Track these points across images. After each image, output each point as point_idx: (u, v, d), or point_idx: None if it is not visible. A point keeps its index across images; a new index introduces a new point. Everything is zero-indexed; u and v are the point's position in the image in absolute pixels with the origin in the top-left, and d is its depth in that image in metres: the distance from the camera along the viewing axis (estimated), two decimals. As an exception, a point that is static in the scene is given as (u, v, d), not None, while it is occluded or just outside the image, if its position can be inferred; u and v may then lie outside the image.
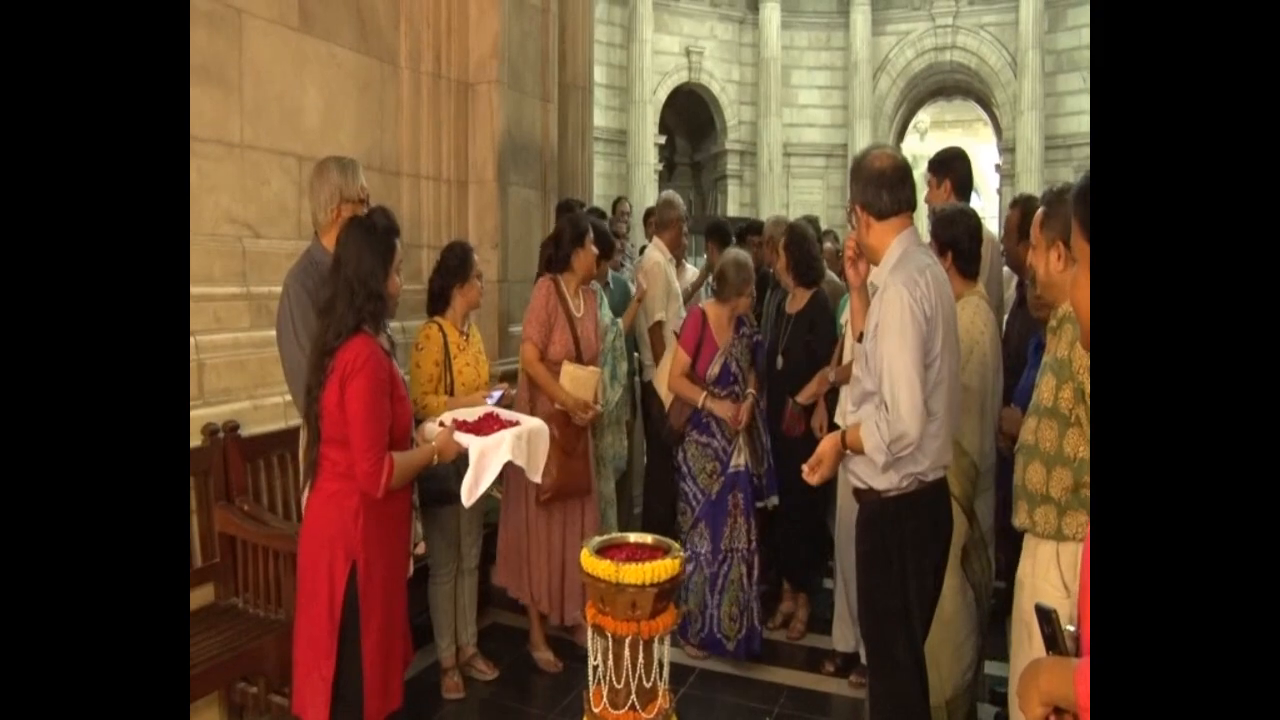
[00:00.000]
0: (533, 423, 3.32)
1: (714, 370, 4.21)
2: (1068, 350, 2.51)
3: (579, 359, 4.05)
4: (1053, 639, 1.38)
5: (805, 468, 2.82)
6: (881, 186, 2.73)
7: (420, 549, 3.13)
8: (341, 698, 2.58)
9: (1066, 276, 2.59)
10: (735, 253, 4.37)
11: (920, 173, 3.69)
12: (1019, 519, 2.63)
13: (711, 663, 4.25)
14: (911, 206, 2.81)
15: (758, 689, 4.03)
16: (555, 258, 4.11)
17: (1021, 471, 2.62)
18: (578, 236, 4.09)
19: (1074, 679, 1.26)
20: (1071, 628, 1.36)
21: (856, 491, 2.86)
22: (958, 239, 3.43)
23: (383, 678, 2.64)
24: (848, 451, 2.78)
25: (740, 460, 4.22)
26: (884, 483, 2.70)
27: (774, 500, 4.40)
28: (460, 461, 3.06)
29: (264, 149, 4.03)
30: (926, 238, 3.22)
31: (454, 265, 3.83)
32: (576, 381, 3.99)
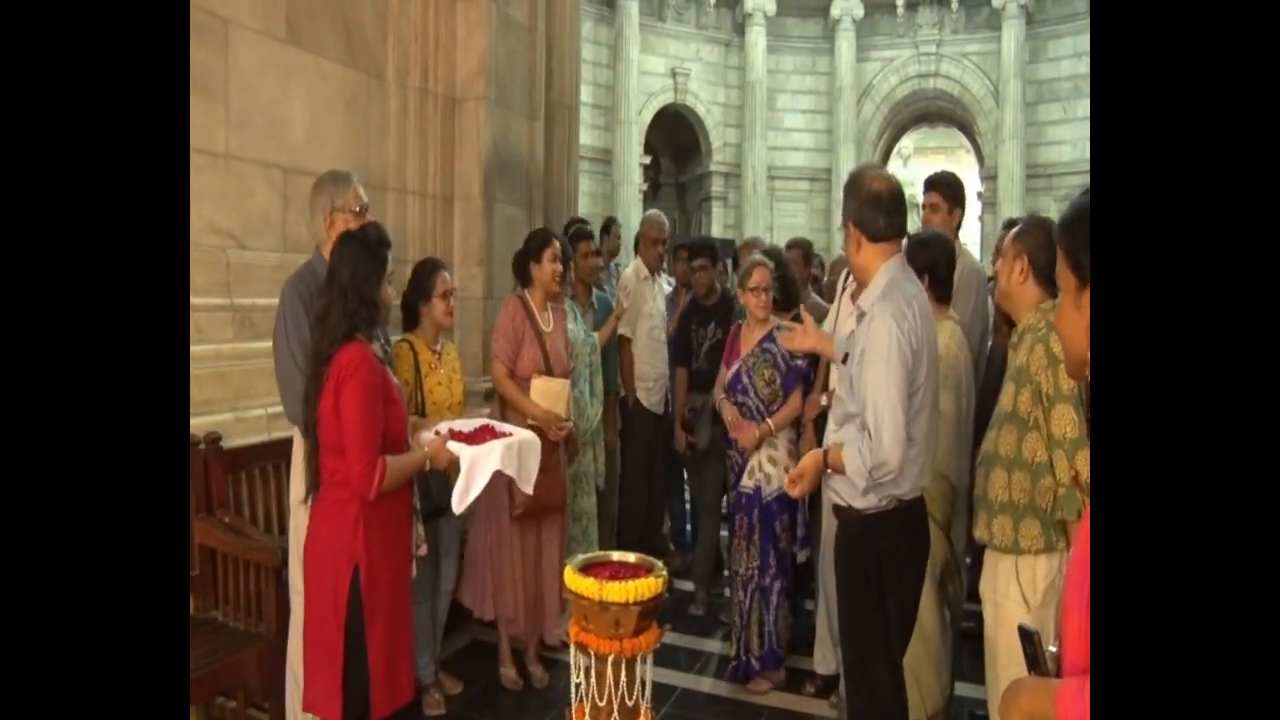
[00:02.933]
0: (524, 434, 3.33)
1: (728, 375, 4.23)
2: (1026, 356, 2.60)
3: (548, 373, 4.04)
4: (1034, 659, 1.39)
5: (786, 480, 2.85)
6: (879, 210, 2.73)
7: (423, 550, 3.14)
8: (350, 695, 2.68)
9: (1025, 290, 2.72)
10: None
11: (907, 197, 3.70)
12: (978, 531, 2.71)
13: (693, 683, 4.24)
14: (904, 233, 2.83)
15: (738, 709, 4.01)
16: (516, 268, 4.13)
17: (983, 481, 2.69)
18: (535, 250, 4.10)
19: (1054, 698, 1.27)
20: (1053, 648, 1.37)
21: (836, 508, 2.88)
22: (935, 263, 3.46)
23: (389, 674, 2.75)
24: (829, 470, 2.79)
25: (749, 482, 4.14)
26: (863, 502, 2.73)
27: (802, 554, 4.27)
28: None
29: (249, 160, 4.02)
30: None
31: (420, 282, 3.83)
32: (547, 395, 3.97)
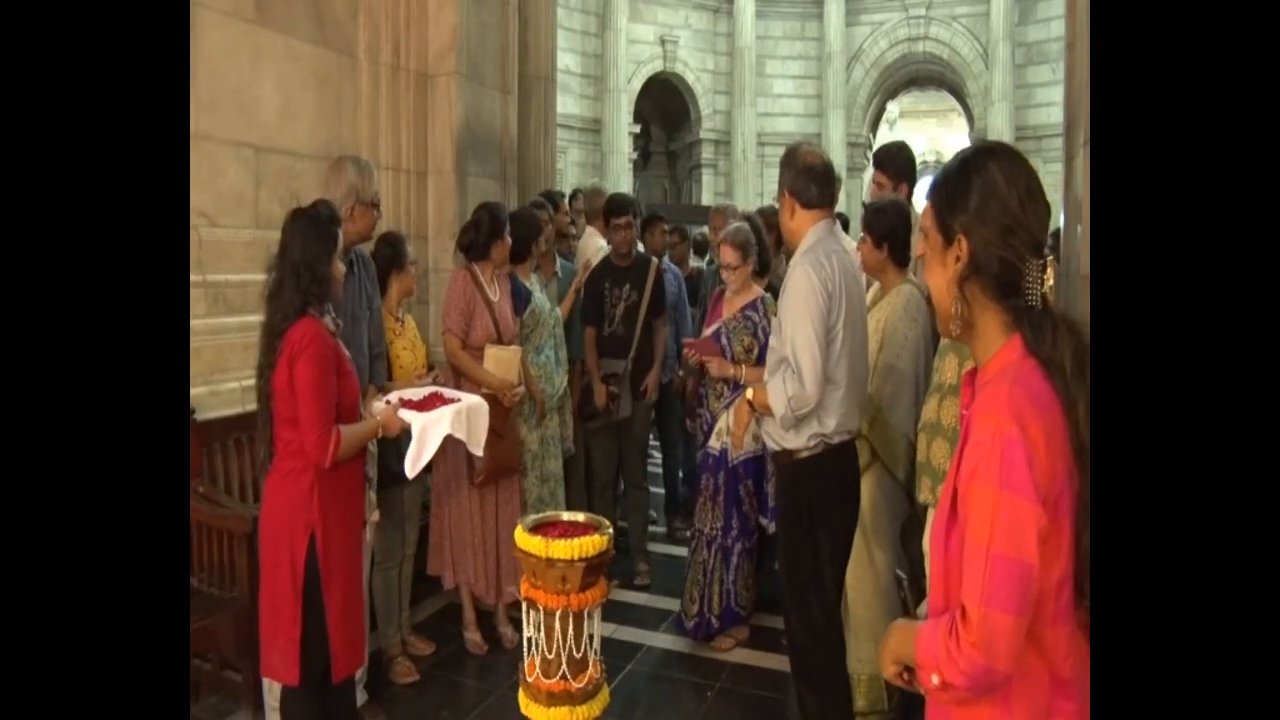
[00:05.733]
0: (472, 399, 3.45)
1: (706, 333, 4.34)
2: None
3: (500, 341, 4.15)
4: (904, 604, 1.50)
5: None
6: (812, 180, 3.01)
7: (375, 516, 3.26)
8: (309, 658, 2.77)
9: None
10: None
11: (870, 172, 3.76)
12: (922, 495, 2.84)
13: (660, 639, 4.38)
14: (833, 203, 3.10)
15: (702, 665, 4.16)
16: (475, 245, 4.19)
17: (925, 449, 2.82)
18: (497, 228, 4.18)
19: (914, 639, 1.39)
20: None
21: (773, 454, 3.14)
22: (894, 229, 3.57)
23: (346, 638, 2.84)
24: (758, 413, 3.09)
25: (716, 444, 4.25)
26: (794, 442, 2.98)
27: (767, 522, 4.32)
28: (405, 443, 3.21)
29: (220, 140, 4.11)
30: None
31: (389, 255, 3.92)
32: (500, 363, 4.09)
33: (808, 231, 3.02)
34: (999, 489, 1.28)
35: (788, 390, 2.87)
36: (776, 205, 6.42)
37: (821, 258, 2.92)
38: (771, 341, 3.14)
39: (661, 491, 6.31)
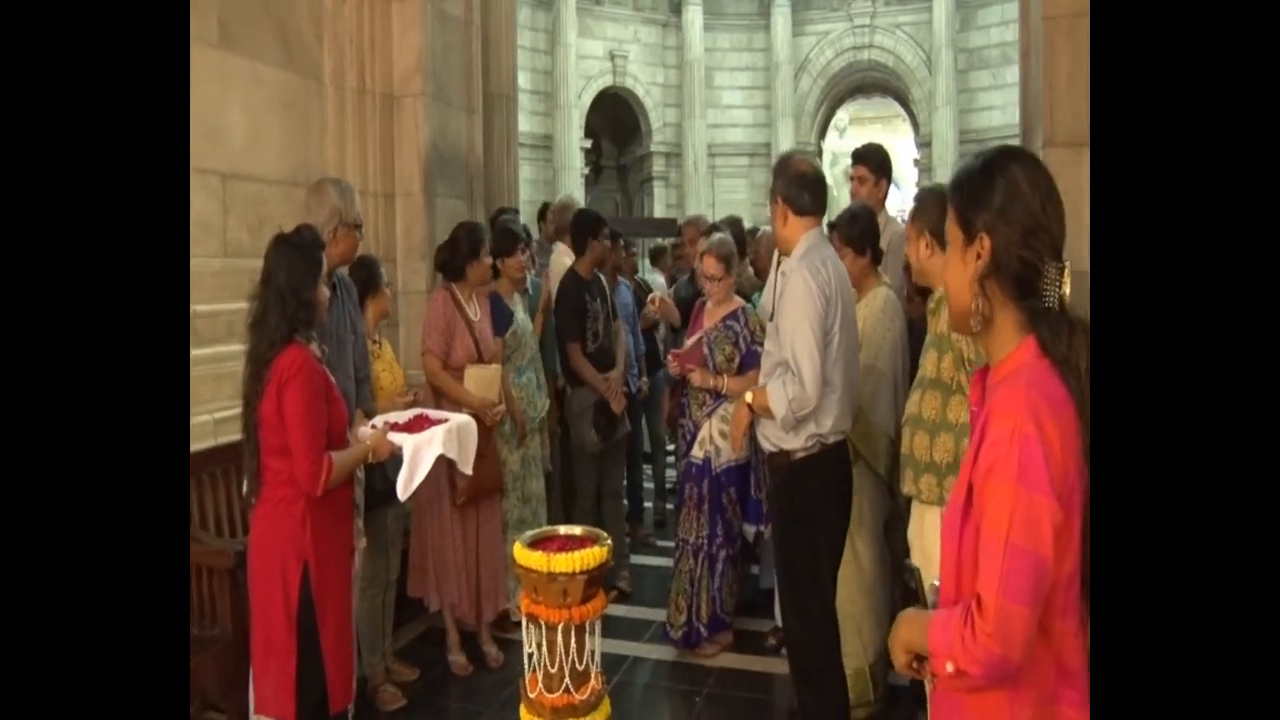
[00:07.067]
0: (461, 418, 3.46)
1: (687, 344, 4.39)
2: (946, 326, 2.76)
3: (480, 360, 4.15)
4: (914, 594, 1.56)
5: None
6: (804, 188, 3.11)
7: (363, 543, 3.24)
8: (304, 691, 2.73)
9: (935, 263, 2.90)
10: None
11: (842, 169, 3.86)
12: (906, 487, 2.93)
13: (645, 650, 4.41)
14: (824, 210, 3.18)
15: (687, 672, 4.19)
16: (451, 265, 4.19)
17: (908, 441, 2.91)
18: (474, 248, 4.19)
19: (926, 629, 1.44)
20: (937, 581, 1.54)
21: (770, 456, 3.20)
22: (867, 233, 3.67)
23: (340, 668, 2.82)
24: (756, 415, 3.15)
25: (699, 453, 4.26)
26: (792, 443, 3.06)
27: (750, 529, 4.37)
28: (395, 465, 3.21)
29: (187, 167, 4.07)
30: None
31: (364, 278, 3.90)
32: (481, 382, 4.10)
33: (801, 238, 3.10)
34: (1016, 486, 1.33)
35: (788, 392, 2.94)
36: (737, 215, 6.62)
37: (817, 263, 3.01)
38: (767, 345, 3.23)
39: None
